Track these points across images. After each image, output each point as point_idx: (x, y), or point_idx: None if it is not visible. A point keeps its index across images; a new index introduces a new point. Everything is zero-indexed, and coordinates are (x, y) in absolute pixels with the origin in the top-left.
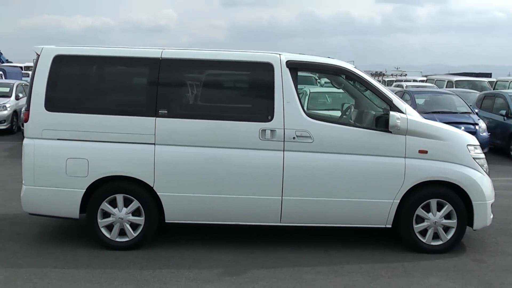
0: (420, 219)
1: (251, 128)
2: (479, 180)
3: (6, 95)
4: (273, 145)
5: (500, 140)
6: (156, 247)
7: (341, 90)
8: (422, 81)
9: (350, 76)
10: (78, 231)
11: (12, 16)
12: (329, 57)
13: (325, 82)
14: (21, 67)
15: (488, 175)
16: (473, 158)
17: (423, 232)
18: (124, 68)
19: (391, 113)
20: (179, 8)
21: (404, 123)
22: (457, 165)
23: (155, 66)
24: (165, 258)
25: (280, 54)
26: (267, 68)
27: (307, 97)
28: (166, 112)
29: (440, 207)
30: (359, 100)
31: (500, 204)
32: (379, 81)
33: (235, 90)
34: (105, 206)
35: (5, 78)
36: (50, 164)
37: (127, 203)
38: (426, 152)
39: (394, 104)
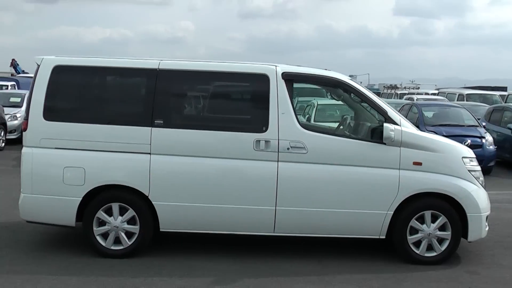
0: (414, 231)
1: (246, 138)
2: (474, 193)
3: (17, 105)
4: (267, 156)
5: (508, 153)
6: (150, 255)
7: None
8: (434, 94)
9: (345, 88)
10: (75, 239)
11: (31, 27)
12: (326, 69)
13: None
14: None
15: (484, 187)
16: (469, 170)
17: (417, 244)
18: (122, 79)
19: (385, 124)
20: (197, 20)
21: (398, 134)
22: (451, 177)
23: (152, 77)
24: (158, 267)
25: (276, 66)
26: (263, 80)
27: (314, 109)
28: (162, 122)
29: (434, 218)
30: (356, 112)
31: (501, 217)
32: (393, 94)
33: (231, 101)
34: (101, 214)
35: (18, 88)
36: (48, 173)
37: (122, 211)
38: (420, 164)
39: (389, 116)
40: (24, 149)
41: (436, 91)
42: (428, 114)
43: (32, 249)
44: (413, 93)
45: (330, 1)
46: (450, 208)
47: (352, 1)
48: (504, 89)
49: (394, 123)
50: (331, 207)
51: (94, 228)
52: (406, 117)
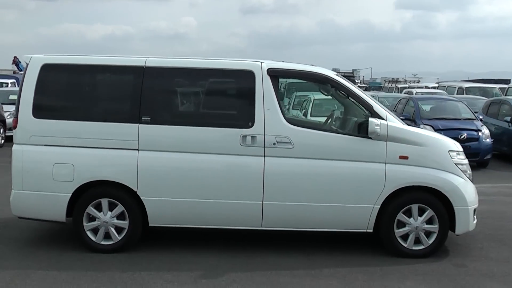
0: (402, 224)
1: (232, 134)
2: (461, 186)
3: None
4: (253, 151)
5: (506, 146)
6: (140, 250)
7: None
8: (434, 87)
9: (330, 83)
10: (67, 235)
11: (33, 25)
12: (312, 65)
13: None
14: None
15: (472, 181)
16: (455, 164)
17: (405, 237)
18: (109, 76)
19: (370, 119)
20: (199, 16)
21: (384, 129)
22: (438, 170)
23: (139, 74)
24: (146, 261)
25: (261, 62)
26: (248, 76)
27: (311, 104)
28: (149, 119)
29: (421, 212)
30: (346, 107)
31: (495, 210)
32: (393, 88)
33: (217, 97)
34: (91, 210)
35: (18, 86)
36: (38, 169)
37: (112, 207)
38: (407, 157)
39: (374, 111)
40: (14, 147)
41: (436, 85)
42: (426, 107)
43: (24, 245)
44: (413, 87)
45: None
46: (437, 202)
47: None
48: (507, 81)
49: (380, 117)
50: (318, 201)
51: (84, 224)
52: (403, 111)
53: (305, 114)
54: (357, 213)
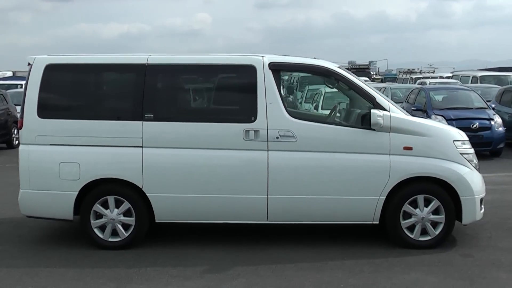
0: (408, 215)
1: (235, 129)
2: (467, 175)
3: None
4: (257, 145)
5: None
6: (147, 246)
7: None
8: (448, 77)
9: (333, 76)
10: (75, 233)
11: (48, 26)
12: (314, 58)
13: None
14: None
15: (478, 170)
16: (461, 153)
17: (411, 228)
18: (112, 75)
19: (372, 111)
20: (213, 12)
21: (387, 120)
22: (443, 160)
23: (141, 72)
24: (153, 257)
25: (263, 57)
26: (250, 71)
27: (322, 97)
28: (153, 116)
29: (427, 202)
30: (351, 99)
31: (506, 199)
32: (408, 79)
33: (219, 93)
34: (97, 207)
35: None
36: (44, 169)
37: (118, 204)
38: (411, 148)
39: (377, 102)
40: (20, 147)
41: (451, 75)
42: (438, 97)
43: (33, 243)
44: (427, 77)
45: None
46: (443, 192)
47: None
48: None
49: (383, 108)
50: (323, 194)
51: (92, 221)
52: (415, 102)
53: (316, 107)
54: (362, 205)
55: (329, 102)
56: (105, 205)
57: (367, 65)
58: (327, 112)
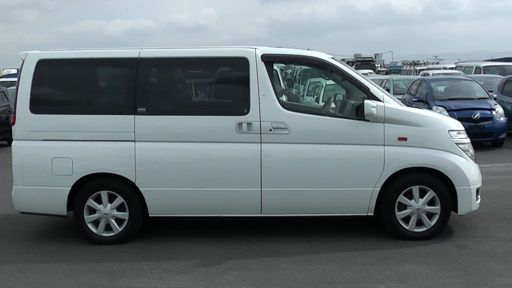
0: (403, 206)
1: (228, 121)
2: (463, 165)
3: None
4: (250, 138)
5: None
6: (141, 241)
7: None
8: (452, 68)
9: (326, 67)
10: (71, 228)
11: (54, 24)
12: (308, 49)
13: None
14: None
15: (474, 160)
16: (456, 143)
17: (406, 219)
18: (104, 69)
19: (366, 101)
20: (219, 7)
21: (381, 111)
22: (438, 151)
23: (133, 66)
24: (146, 251)
25: (255, 48)
26: (242, 63)
27: (323, 90)
28: (145, 110)
29: (422, 193)
30: (347, 90)
31: (504, 190)
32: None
33: (212, 86)
34: (91, 202)
35: None
36: (37, 164)
37: (111, 199)
38: (405, 139)
39: (371, 93)
40: (13, 143)
41: (454, 66)
42: (440, 88)
43: (29, 239)
44: (432, 69)
45: None
46: (438, 182)
47: None
48: None
49: (377, 99)
50: (317, 186)
51: (85, 216)
52: (416, 93)
53: (317, 100)
54: (357, 196)
55: (330, 95)
56: (99, 200)
57: (371, 58)
58: (333, 104)
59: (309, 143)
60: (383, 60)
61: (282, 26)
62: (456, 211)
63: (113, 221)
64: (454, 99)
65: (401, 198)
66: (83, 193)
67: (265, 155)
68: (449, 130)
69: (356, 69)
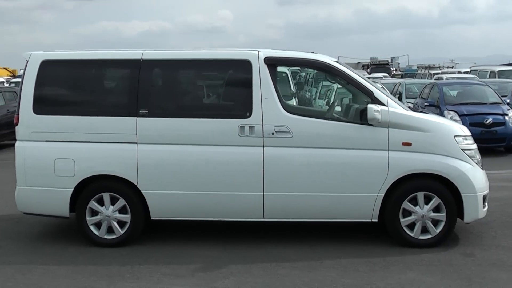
0: (407, 213)
1: (230, 125)
2: (469, 172)
3: None
4: (252, 141)
5: None
6: (142, 244)
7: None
8: (466, 72)
9: (330, 70)
10: (74, 230)
11: (71, 24)
12: (312, 52)
13: None
14: None
15: (481, 166)
16: (462, 149)
17: (411, 226)
18: (107, 71)
19: (369, 106)
20: (235, 9)
21: (385, 115)
22: (443, 156)
23: (136, 68)
24: (147, 255)
25: (258, 51)
26: (245, 65)
27: (334, 93)
28: (147, 111)
29: (428, 200)
30: (353, 94)
31: None
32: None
33: (214, 88)
34: (93, 204)
35: None
36: (40, 165)
37: (114, 201)
38: (410, 144)
39: (375, 97)
40: (16, 143)
41: (469, 70)
42: (453, 93)
43: (31, 240)
44: (446, 72)
45: None
46: (444, 189)
47: None
48: None
49: (381, 103)
50: (320, 191)
51: (87, 218)
52: (428, 97)
53: (328, 103)
54: (361, 202)
55: (339, 98)
56: (101, 202)
57: (386, 61)
58: (338, 108)
59: (312, 147)
60: (399, 64)
61: (298, 28)
62: (462, 218)
63: (115, 223)
64: (466, 103)
65: (406, 205)
66: (86, 195)
67: (267, 159)
68: (454, 136)
69: (370, 72)
